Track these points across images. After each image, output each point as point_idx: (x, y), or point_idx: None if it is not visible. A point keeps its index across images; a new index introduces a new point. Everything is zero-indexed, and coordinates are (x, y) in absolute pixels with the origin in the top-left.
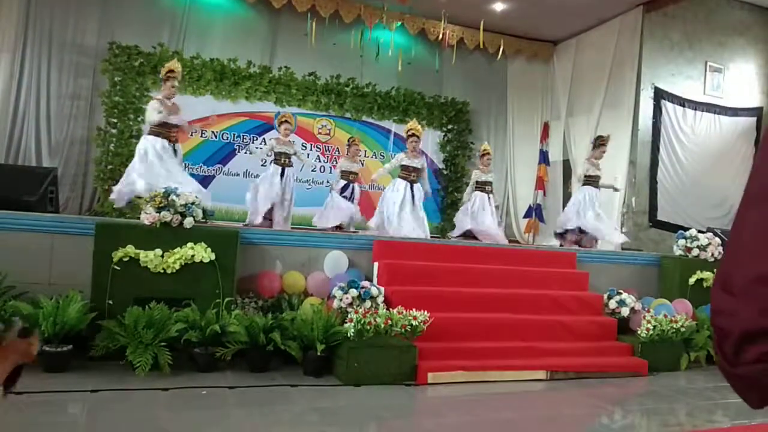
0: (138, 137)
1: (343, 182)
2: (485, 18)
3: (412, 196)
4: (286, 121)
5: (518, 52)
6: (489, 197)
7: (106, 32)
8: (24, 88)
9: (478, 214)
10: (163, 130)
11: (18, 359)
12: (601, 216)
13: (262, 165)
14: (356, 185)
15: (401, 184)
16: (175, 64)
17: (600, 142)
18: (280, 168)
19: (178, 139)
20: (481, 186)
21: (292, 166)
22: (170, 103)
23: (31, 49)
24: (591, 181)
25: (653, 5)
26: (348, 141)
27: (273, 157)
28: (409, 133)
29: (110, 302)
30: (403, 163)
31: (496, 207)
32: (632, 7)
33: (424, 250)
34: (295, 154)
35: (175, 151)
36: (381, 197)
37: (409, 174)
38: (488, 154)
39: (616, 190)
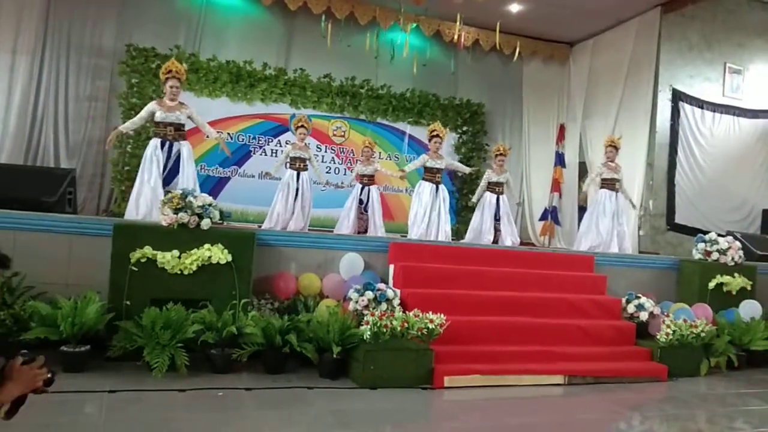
0: None
1: (360, 186)
2: (501, 19)
3: (437, 198)
4: (302, 126)
5: (534, 53)
6: (499, 198)
7: (124, 34)
8: (43, 90)
9: (486, 215)
10: (160, 129)
11: (23, 388)
12: (620, 221)
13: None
14: (373, 188)
15: (427, 187)
16: (171, 65)
17: (607, 144)
18: (295, 173)
19: (178, 137)
20: (492, 187)
21: (307, 170)
22: (171, 102)
23: (50, 51)
24: (606, 184)
25: (671, 6)
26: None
27: (288, 161)
28: (433, 134)
29: (128, 303)
30: (427, 164)
31: (518, 204)
32: (650, 8)
33: (439, 253)
34: (309, 159)
35: (170, 149)
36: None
37: (433, 176)
38: (501, 154)
39: (634, 206)
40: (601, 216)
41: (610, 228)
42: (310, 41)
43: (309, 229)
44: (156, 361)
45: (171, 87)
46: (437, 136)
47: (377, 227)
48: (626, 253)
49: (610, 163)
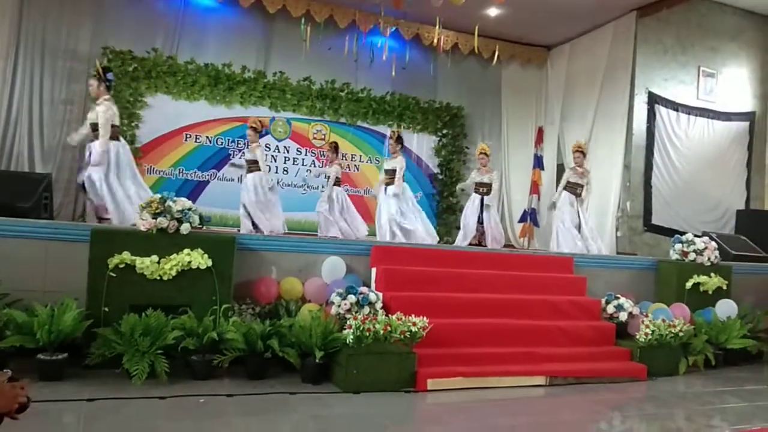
0: (132, 142)
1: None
2: (480, 23)
3: (385, 198)
4: (250, 126)
5: (512, 57)
6: (483, 199)
7: (100, 37)
8: (17, 94)
9: (470, 216)
10: None
11: (4, 406)
12: (584, 223)
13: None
14: (339, 189)
15: (382, 189)
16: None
17: (573, 150)
18: (248, 175)
19: (93, 138)
20: (477, 187)
21: (259, 170)
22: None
23: (23, 55)
24: (569, 187)
25: (647, 10)
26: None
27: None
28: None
29: (106, 309)
30: (385, 167)
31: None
32: (626, 12)
33: (421, 256)
34: (256, 161)
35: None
36: None
37: (385, 177)
38: (482, 153)
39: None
40: (565, 219)
41: (574, 229)
42: (290, 44)
43: (288, 233)
44: (135, 368)
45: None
46: (389, 137)
47: (343, 229)
48: (599, 254)
49: (577, 168)
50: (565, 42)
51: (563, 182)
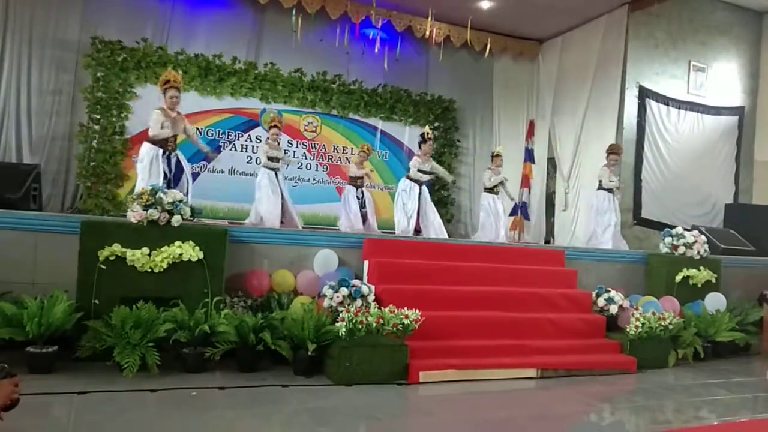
0: (122, 133)
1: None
2: (472, 15)
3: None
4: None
5: (504, 50)
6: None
7: (89, 27)
8: (4, 84)
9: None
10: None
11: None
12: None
13: (247, 162)
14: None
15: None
16: (168, 75)
17: (611, 151)
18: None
19: (175, 147)
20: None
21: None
22: (173, 114)
23: (11, 43)
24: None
25: (638, 4)
26: None
27: None
28: (271, 124)
29: (96, 302)
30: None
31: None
32: (617, 6)
33: (413, 249)
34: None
35: (170, 158)
36: None
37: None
38: (498, 156)
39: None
40: (613, 220)
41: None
42: (281, 35)
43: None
44: (126, 360)
45: (171, 98)
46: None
47: (372, 226)
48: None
49: (612, 168)
50: (557, 35)
51: (605, 184)
